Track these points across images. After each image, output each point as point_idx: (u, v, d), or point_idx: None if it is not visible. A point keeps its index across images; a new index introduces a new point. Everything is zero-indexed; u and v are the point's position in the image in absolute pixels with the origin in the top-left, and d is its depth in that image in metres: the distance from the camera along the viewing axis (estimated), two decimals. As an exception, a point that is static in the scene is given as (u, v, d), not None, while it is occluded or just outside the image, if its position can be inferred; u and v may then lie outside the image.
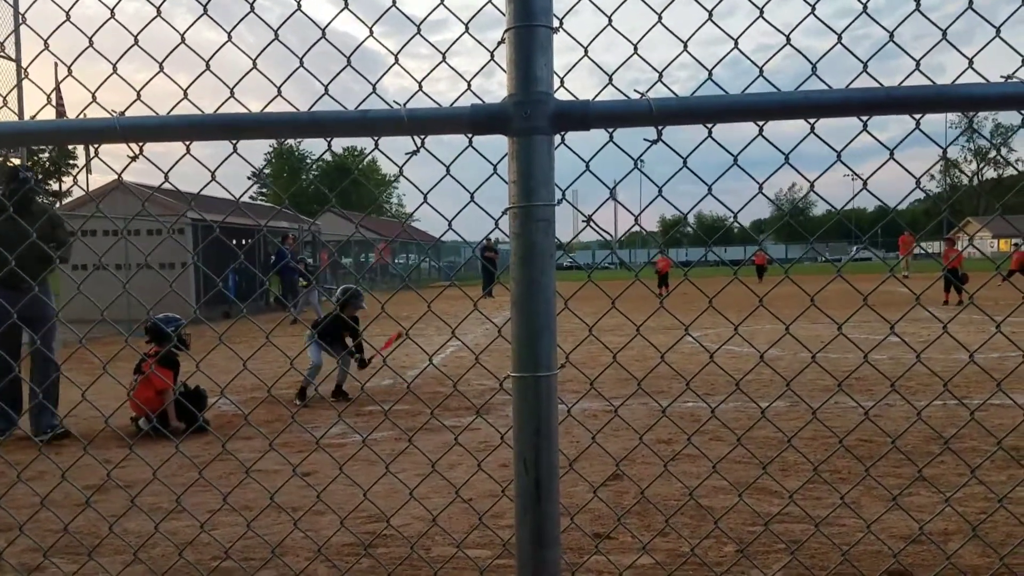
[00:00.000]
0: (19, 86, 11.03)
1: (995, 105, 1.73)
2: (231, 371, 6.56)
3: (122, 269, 16.03)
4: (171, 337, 6.97)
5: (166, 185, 2.14)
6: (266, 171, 73.48)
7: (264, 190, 60.26)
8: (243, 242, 23.35)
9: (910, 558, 3.79)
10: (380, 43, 2.05)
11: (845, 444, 2.10)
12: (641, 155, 1.99)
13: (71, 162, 45.18)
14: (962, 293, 18.38)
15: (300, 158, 70.59)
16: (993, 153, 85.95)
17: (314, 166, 72.00)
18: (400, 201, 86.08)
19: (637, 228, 2.16)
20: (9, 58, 11.66)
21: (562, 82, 1.86)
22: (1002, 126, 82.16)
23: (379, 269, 33.06)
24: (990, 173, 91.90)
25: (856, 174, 2.07)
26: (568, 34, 1.89)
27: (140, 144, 1.95)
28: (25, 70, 2.10)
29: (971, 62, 1.87)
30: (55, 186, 49.01)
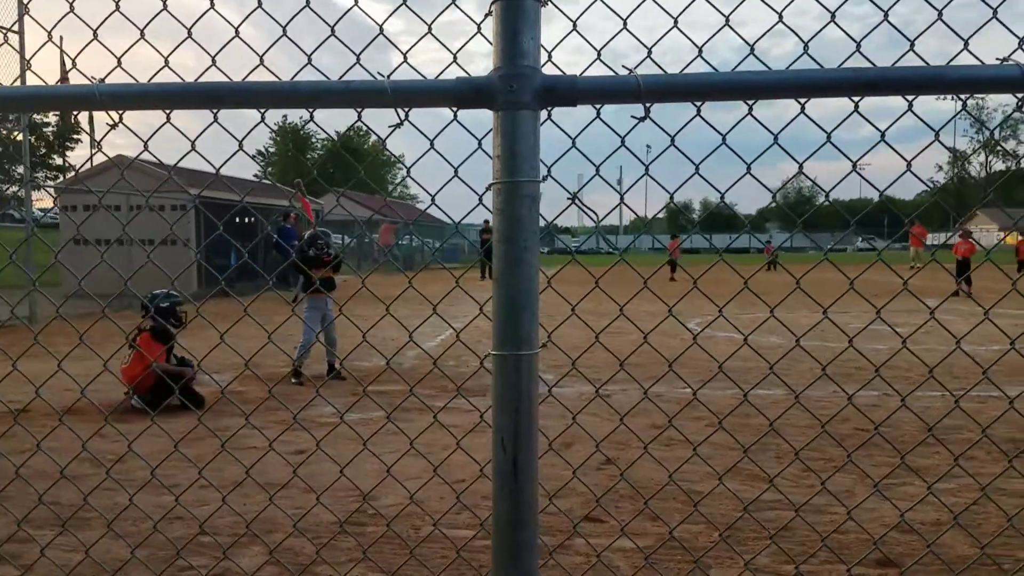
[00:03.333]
0: (22, 58, 10.95)
1: (989, 87, 1.68)
2: (228, 347, 6.52)
3: (123, 244, 15.98)
4: (165, 313, 6.97)
5: (147, 156, 2.11)
6: (270, 149, 73.22)
7: (270, 168, 59.98)
8: (246, 220, 23.25)
9: (900, 547, 3.78)
10: (364, 12, 2.01)
11: (837, 433, 2.08)
12: (628, 133, 1.95)
13: (75, 137, 44.92)
14: (971, 285, 18.49)
15: (305, 137, 70.19)
16: (1002, 145, 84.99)
17: (319, 146, 71.60)
18: (404, 182, 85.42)
19: (638, 214, 2.12)
20: (10, 30, 11.58)
21: (550, 56, 1.82)
22: (1012, 119, 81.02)
23: (380, 250, 32.88)
24: (999, 165, 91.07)
25: (849, 157, 2.03)
26: (556, 7, 1.85)
27: (120, 112, 1.92)
28: (5, 33, 2.06)
29: (966, 43, 1.83)
30: (58, 160, 48.80)
